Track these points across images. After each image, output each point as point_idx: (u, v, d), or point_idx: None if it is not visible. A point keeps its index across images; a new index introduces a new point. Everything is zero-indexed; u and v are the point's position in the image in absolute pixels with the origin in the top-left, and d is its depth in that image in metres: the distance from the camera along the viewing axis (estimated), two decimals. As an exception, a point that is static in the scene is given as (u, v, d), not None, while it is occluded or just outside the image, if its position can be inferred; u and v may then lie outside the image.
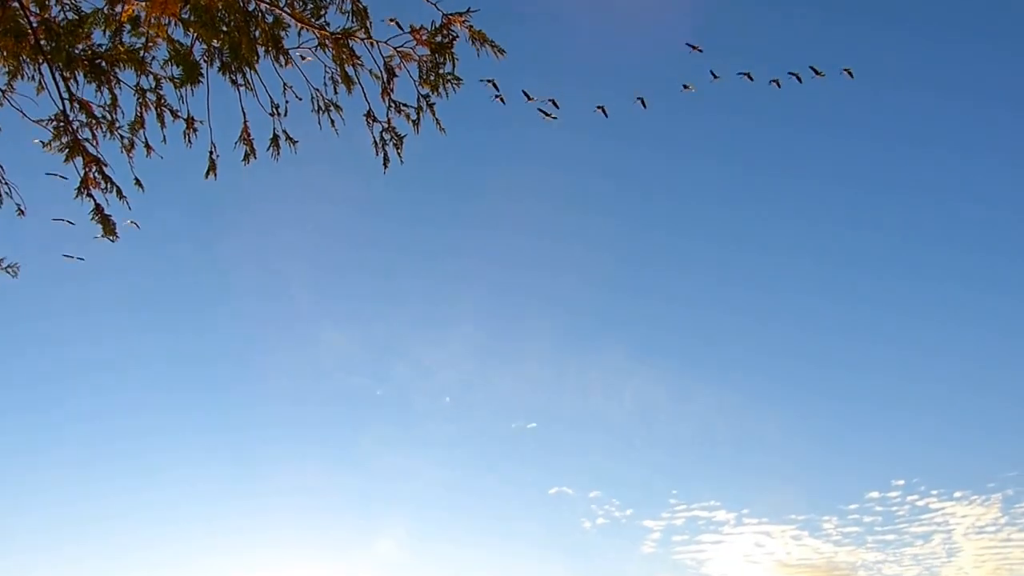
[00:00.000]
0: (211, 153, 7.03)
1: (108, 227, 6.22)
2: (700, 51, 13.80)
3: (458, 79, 6.79)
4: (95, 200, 6.17)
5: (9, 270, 12.45)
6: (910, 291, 41.75)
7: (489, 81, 9.22)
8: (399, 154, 6.71)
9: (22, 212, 7.37)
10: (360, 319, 43.93)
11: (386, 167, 6.67)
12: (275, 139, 7.13)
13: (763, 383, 44.84)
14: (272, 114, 7.12)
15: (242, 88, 6.82)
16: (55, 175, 8.24)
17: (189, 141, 6.98)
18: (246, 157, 7.01)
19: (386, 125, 6.71)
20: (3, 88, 6.60)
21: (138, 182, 7.05)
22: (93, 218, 6.17)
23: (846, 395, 43.09)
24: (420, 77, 6.71)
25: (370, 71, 6.82)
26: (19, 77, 6.51)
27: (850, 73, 14.91)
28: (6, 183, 7.10)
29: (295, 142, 7.08)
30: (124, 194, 6.23)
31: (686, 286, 45.25)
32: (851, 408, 42.67)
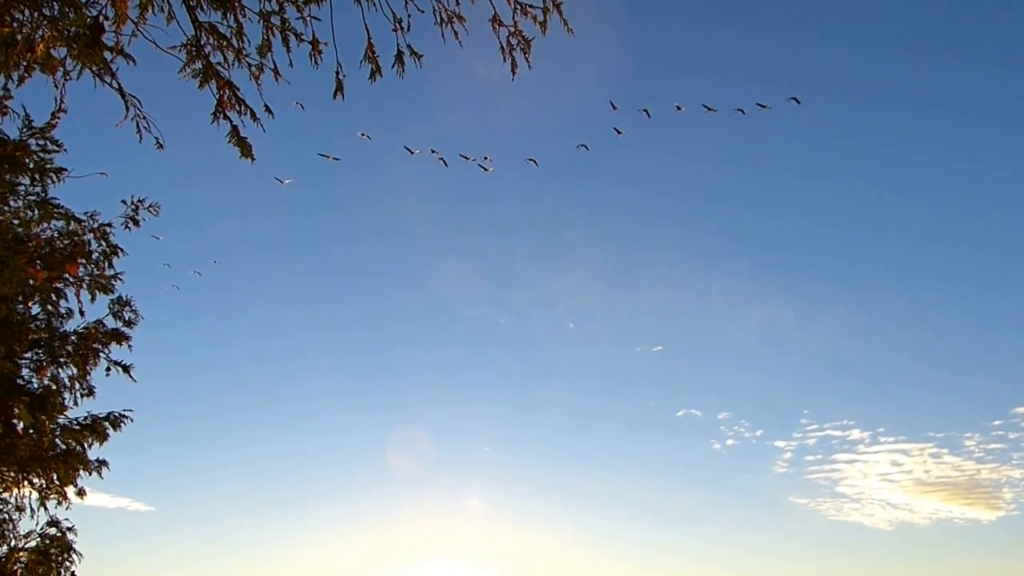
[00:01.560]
0: (337, 73, 6.93)
1: (245, 149, 6.24)
2: (616, 109, 15.25)
3: (585, -24, 6.41)
4: (231, 122, 6.19)
5: (151, 209, 13.03)
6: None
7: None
8: (527, 59, 6.42)
9: (160, 146, 7.53)
10: (478, 251, 44.25)
11: (514, 73, 6.40)
12: (399, 55, 6.96)
13: (898, 299, 42.65)
14: (395, 30, 6.94)
15: (364, 3, 6.67)
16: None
17: (316, 63, 6.91)
18: (372, 75, 6.88)
19: (512, 29, 6.42)
20: (135, 20, 6.68)
21: (268, 109, 7.05)
22: (230, 141, 6.20)
23: (988, 310, 40.55)
24: (546, -24, 6.37)
25: (493, -26, 6.53)
26: (150, 9, 6.55)
27: (796, 100, 17.10)
28: (144, 117, 7.24)
29: (420, 56, 6.89)
30: (258, 116, 6.21)
31: (813, 202, 43.13)
32: (993, 322, 40.15)
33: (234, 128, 6.19)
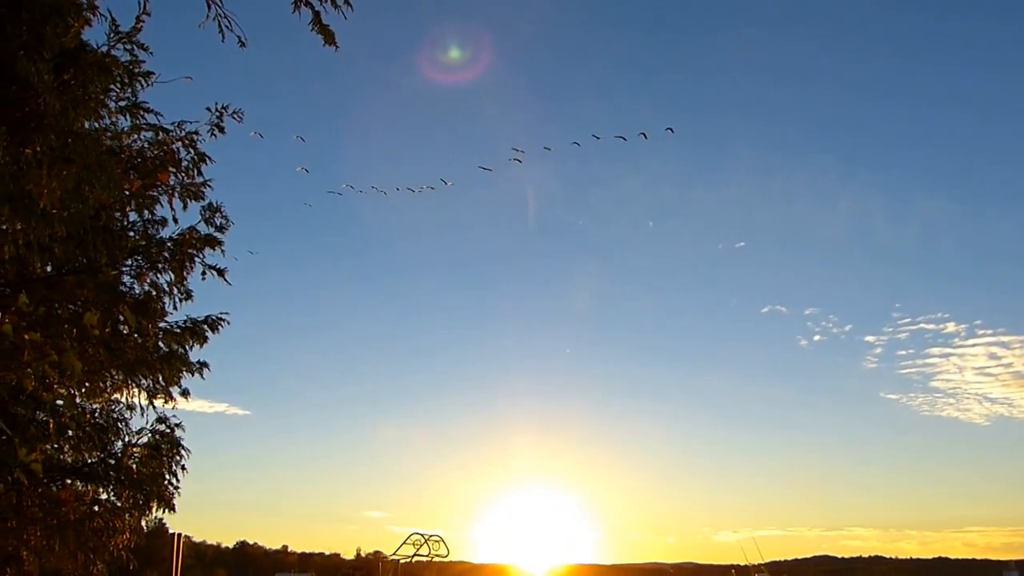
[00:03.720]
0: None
1: (328, 35, 6.17)
2: (521, 152, 16.54)
3: None
4: (313, 8, 6.11)
5: (235, 116, 13.17)
6: None
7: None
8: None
9: (243, 44, 7.50)
10: (554, 154, 43.85)
11: None
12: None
13: (995, 187, 40.40)
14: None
15: None
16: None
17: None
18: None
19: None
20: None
21: (347, 1, 6.94)
22: (312, 28, 6.13)
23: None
24: None
25: None
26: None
27: (671, 130, 18.89)
28: (226, 16, 7.20)
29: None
30: (338, 3, 6.11)
31: (903, 86, 40.61)
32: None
33: (316, 14, 6.12)
